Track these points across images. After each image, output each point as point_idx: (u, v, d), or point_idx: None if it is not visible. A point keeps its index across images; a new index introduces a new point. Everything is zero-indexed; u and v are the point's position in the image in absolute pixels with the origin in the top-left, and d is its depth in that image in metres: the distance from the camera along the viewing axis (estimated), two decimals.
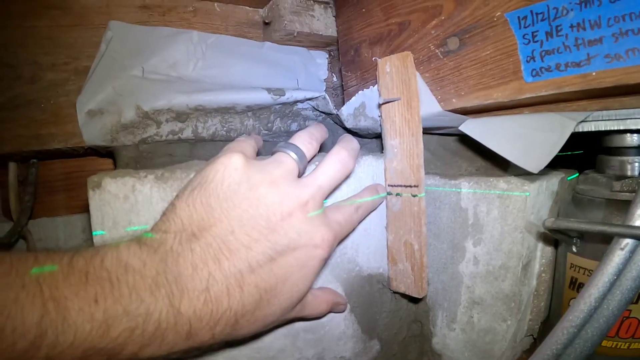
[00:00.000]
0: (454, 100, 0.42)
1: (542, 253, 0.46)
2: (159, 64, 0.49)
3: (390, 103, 0.44)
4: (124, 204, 0.35)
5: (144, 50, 0.48)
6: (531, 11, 0.37)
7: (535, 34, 0.37)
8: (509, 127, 0.41)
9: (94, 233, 0.34)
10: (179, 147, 0.51)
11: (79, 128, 0.46)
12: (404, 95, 0.43)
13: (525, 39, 0.38)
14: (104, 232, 0.34)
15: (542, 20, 0.37)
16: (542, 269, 0.47)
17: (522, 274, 0.43)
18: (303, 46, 0.57)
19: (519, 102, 0.39)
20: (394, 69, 0.44)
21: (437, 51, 0.43)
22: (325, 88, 0.58)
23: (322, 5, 0.54)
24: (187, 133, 0.50)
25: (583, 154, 0.49)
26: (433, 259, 0.49)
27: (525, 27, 0.38)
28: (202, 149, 0.52)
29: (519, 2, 0.37)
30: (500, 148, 0.40)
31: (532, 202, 0.43)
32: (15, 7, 0.46)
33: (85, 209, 0.59)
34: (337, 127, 0.58)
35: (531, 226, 0.43)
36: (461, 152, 0.51)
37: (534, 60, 0.38)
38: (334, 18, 0.54)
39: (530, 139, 0.40)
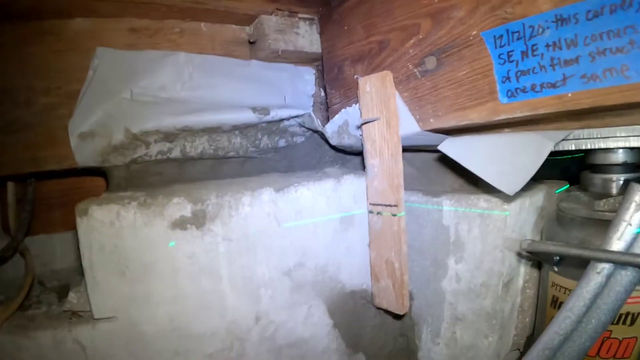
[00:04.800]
0: (431, 120, 0.42)
1: (526, 269, 0.46)
2: (147, 86, 0.50)
3: (371, 123, 0.45)
4: (110, 229, 0.37)
5: (132, 73, 0.50)
6: (507, 30, 0.37)
7: (510, 53, 0.37)
8: (487, 147, 0.41)
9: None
10: (168, 166, 0.52)
11: (71, 150, 0.48)
12: (383, 114, 0.44)
13: (501, 58, 0.38)
14: None
15: (518, 39, 0.37)
16: (526, 284, 0.47)
17: (503, 291, 0.43)
18: (290, 62, 0.57)
19: (495, 123, 0.39)
20: (374, 88, 0.45)
21: (415, 70, 0.43)
22: (312, 103, 0.59)
23: (307, 22, 0.55)
24: (176, 153, 0.51)
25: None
26: (417, 275, 0.49)
27: (501, 47, 0.38)
28: (191, 167, 0.54)
29: (495, 20, 0.37)
30: (477, 169, 0.40)
31: (513, 220, 0.43)
32: (11, 34, 0.48)
33: None
34: (324, 142, 0.59)
35: (513, 244, 0.43)
36: (445, 169, 0.51)
37: (510, 81, 0.37)
38: (318, 35, 0.55)
39: (508, 160, 0.40)
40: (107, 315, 0.40)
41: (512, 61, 0.37)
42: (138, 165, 0.51)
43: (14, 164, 0.49)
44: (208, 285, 0.41)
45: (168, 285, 0.40)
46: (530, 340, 0.49)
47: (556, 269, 0.42)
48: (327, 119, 0.55)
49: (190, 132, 0.50)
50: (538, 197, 0.46)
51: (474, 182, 0.49)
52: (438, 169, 0.51)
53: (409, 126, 0.43)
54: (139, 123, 0.48)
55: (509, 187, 0.38)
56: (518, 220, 0.43)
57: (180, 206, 0.38)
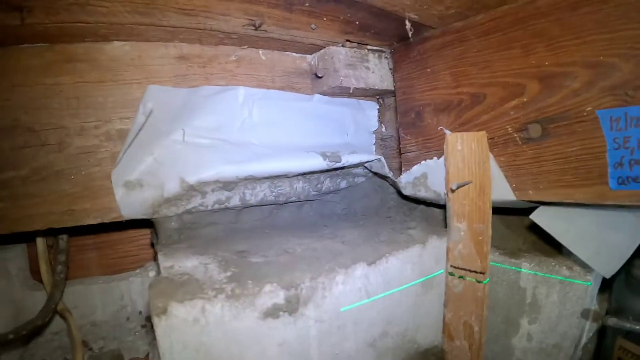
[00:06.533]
0: (530, 192, 0.40)
1: (590, 327, 0.48)
2: (200, 126, 0.43)
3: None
4: (194, 327, 0.33)
5: (184, 112, 0.43)
6: (625, 113, 0.35)
7: (627, 139, 0.35)
8: (582, 222, 0.40)
9: None
10: (224, 215, 0.47)
11: (115, 202, 0.42)
12: (476, 179, 0.41)
13: (616, 143, 0.36)
14: None
15: (637, 126, 0.35)
16: (587, 341, 0.49)
17: (574, 352, 0.45)
18: (353, 97, 0.52)
19: (600, 206, 0.38)
20: (467, 148, 0.42)
21: (515, 136, 0.40)
22: (374, 141, 0.55)
23: (377, 54, 0.49)
24: (235, 201, 0.46)
25: None
26: None
27: (617, 130, 0.36)
28: (248, 214, 0.49)
29: (614, 100, 0.35)
30: (572, 245, 0.40)
31: (591, 289, 0.43)
32: (32, 60, 0.39)
33: (120, 269, 0.55)
34: (385, 183, 0.55)
35: (590, 313, 0.44)
36: (514, 224, 0.50)
37: (622, 168, 0.36)
38: (389, 70, 0.50)
39: (604, 239, 0.39)
40: None
41: (628, 148, 0.35)
42: (191, 216, 0.46)
43: (46, 219, 0.41)
44: None
45: None
46: None
47: (625, 336, 0.44)
48: (392, 157, 0.51)
49: (252, 180, 0.45)
50: None
51: (548, 241, 0.48)
52: (507, 225, 0.50)
53: (502, 193, 0.41)
54: (195, 172, 0.42)
55: (606, 269, 0.39)
56: (594, 289, 0.44)
57: (272, 294, 0.35)
